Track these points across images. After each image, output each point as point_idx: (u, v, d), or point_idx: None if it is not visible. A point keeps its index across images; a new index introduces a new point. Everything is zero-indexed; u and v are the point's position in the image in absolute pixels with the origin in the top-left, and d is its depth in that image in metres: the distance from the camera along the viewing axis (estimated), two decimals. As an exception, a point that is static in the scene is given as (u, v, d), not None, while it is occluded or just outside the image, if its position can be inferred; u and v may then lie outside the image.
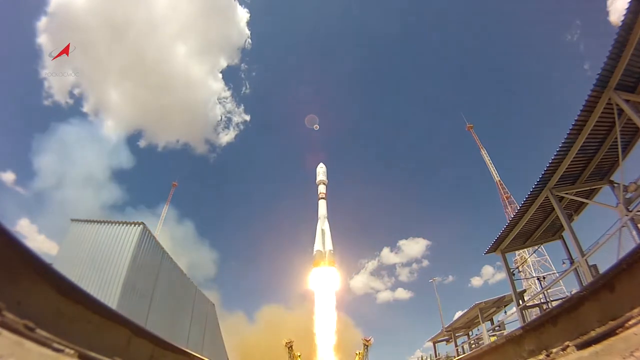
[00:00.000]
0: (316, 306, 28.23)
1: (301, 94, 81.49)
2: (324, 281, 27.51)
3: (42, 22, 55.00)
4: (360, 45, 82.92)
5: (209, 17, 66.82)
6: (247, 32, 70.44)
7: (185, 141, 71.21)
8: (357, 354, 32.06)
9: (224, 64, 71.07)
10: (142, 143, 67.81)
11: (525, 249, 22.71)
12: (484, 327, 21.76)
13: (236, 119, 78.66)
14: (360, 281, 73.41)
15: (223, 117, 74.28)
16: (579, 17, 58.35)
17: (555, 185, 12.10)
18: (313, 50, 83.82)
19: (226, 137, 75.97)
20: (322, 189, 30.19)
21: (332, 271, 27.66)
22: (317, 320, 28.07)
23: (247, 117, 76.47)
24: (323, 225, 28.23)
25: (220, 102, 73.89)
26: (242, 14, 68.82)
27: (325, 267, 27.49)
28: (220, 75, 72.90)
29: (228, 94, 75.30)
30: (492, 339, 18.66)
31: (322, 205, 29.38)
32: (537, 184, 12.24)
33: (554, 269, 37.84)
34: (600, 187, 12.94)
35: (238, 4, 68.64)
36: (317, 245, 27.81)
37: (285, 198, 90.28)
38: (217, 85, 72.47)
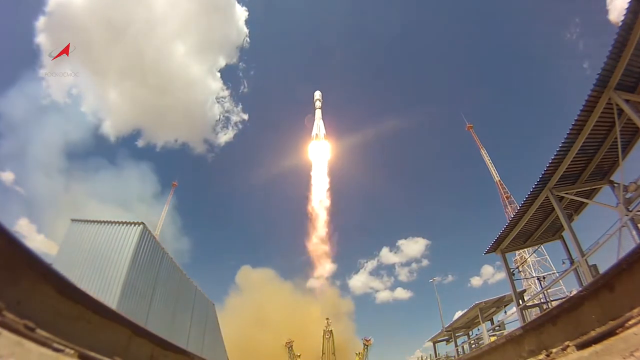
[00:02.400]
0: (313, 173, 44.00)
1: (300, 93, 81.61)
2: (319, 152, 43.70)
3: (41, 22, 55.11)
4: (359, 44, 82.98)
5: (207, 16, 66.76)
6: (246, 30, 70.68)
7: (184, 141, 71.34)
8: (357, 354, 32.14)
9: (222, 63, 71.14)
10: (140, 143, 67.92)
11: (525, 249, 22.71)
12: (484, 327, 21.76)
13: (235, 118, 78.91)
14: (360, 281, 73.70)
15: (221, 116, 74.47)
16: (579, 15, 58.41)
17: (555, 185, 12.10)
18: (312, 49, 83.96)
19: (225, 136, 76.18)
20: (318, 104, 46.79)
21: (325, 144, 44.66)
22: (314, 183, 43.43)
23: (246, 117, 76.86)
24: (318, 122, 45.76)
25: (218, 102, 74.12)
26: (241, 12, 69.08)
27: (320, 140, 44.14)
28: (219, 75, 73.21)
29: (226, 93, 75.41)
30: (492, 339, 18.65)
31: (318, 112, 46.49)
32: (537, 184, 12.24)
33: (554, 269, 37.85)
34: (600, 187, 12.93)
35: (236, 2, 68.75)
36: (315, 131, 45.12)
37: (282, 198, 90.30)
38: (216, 85, 72.68)
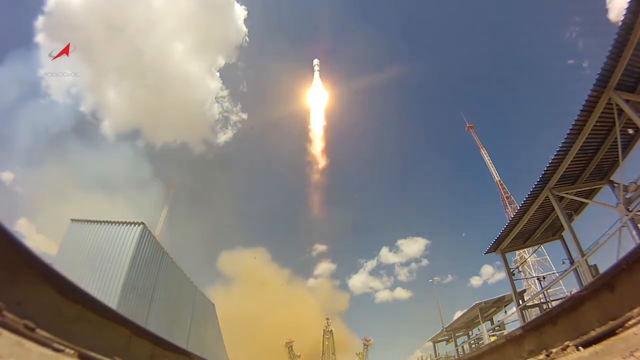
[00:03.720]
0: (312, 118, 56.55)
1: (299, 92, 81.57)
2: (317, 99, 55.96)
3: (40, 22, 55.09)
4: (359, 44, 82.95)
5: (206, 15, 66.84)
6: (245, 29, 70.79)
7: (183, 140, 71.34)
8: (357, 354, 32.16)
9: (221, 62, 71.19)
10: (140, 143, 67.88)
11: (525, 249, 22.70)
12: (484, 327, 21.77)
13: (234, 117, 78.98)
14: (359, 281, 73.86)
15: (221, 116, 74.51)
16: (578, 14, 58.45)
17: (555, 185, 12.09)
18: (311, 48, 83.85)
19: (224, 136, 76.22)
20: (316, 68, 58.21)
21: (322, 92, 56.87)
22: (313, 124, 56.39)
23: (245, 116, 77.01)
24: (316, 78, 57.60)
25: (217, 101, 74.19)
26: (240, 12, 69.19)
27: (317, 88, 56.11)
28: (218, 74, 73.27)
29: (226, 92, 75.41)
30: (492, 339, 18.66)
31: (317, 74, 57.77)
32: (537, 184, 12.23)
33: (554, 269, 37.83)
34: (600, 187, 12.93)
35: (235, 1, 68.84)
36: (314, 83, 57.20)
37: (281, 198, 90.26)
38: (215, 84, 72.72)
